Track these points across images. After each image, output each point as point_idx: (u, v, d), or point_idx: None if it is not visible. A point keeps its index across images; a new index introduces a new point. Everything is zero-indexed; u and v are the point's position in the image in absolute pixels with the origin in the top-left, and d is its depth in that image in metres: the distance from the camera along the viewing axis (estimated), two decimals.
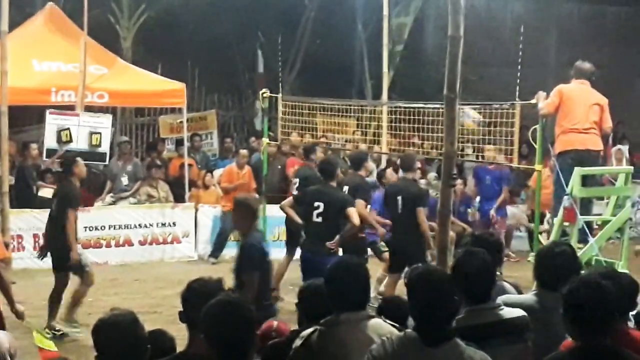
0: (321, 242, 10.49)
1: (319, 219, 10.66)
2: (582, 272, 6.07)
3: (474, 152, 13.65)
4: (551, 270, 5.82)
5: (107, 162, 16.49)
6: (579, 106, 10.66)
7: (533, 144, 11.32)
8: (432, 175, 16.58)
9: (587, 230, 9.99)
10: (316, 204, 10.69)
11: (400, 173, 12.73)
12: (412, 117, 13.42)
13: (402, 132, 14.33)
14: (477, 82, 22.54)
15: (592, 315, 4.44)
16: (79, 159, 11.83)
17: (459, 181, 14.62)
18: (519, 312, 5.30)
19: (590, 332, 4.44)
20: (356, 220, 10.52)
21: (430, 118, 12.89)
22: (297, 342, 5.06)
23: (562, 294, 4.64)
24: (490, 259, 5.44)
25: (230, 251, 14.02)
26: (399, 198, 11.65)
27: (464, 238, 15.48)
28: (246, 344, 4.36)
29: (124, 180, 16.90)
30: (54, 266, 11.34)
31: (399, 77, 22.53)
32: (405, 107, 13.92)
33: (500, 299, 5.49)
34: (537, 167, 11.24)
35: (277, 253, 15.02)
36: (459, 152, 11.87)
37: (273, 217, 14.98)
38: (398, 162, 13.54)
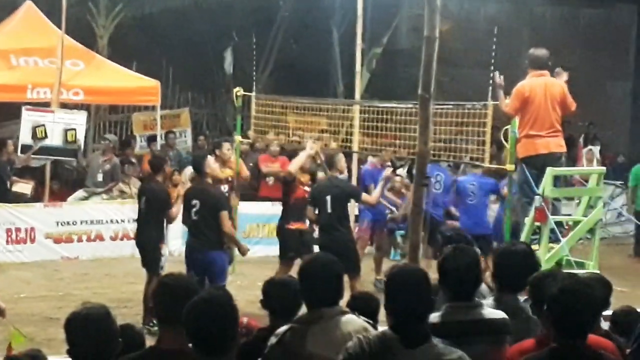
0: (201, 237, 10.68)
1: (196, 217, 10.75)
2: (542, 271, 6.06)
3: (446, 151, 13.72)
4: (511, 271, 5.77)
5: (77, 158, 16.52)
6: (541, 108, 10.53)
7: (505, 144, 11.39)
8: (401, 171, 16.66)
9: (557, 231, 10.06)
10: (193, 201, 10.78)
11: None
12: (384, 116, 13.49)
13: (375, 132, 14.37)
14: (449, 83, 22.59)
15: (577, 319, 4.51)
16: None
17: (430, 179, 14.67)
18: (500, 314, 5.29)
19: (571, 334, 4.52)
20: (227, 225, 10.73)
21: (403, 118, 12.96)
22: (273, 340, 5.03)
23: (546, 297, 4.69)
24: (479, 257, 5.49)
25: None
26: (328, 198, 11.63)
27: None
28: (227, 340, 4.39)
29: (99, 176, 16.86)
30: None
31: (372, 78, 22.64)
32: (378, 107, 13.98)
33: None
34: (509, 167, 11.31)
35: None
36: (432, 152, 11.93)
37: (244, 214, 15.06)
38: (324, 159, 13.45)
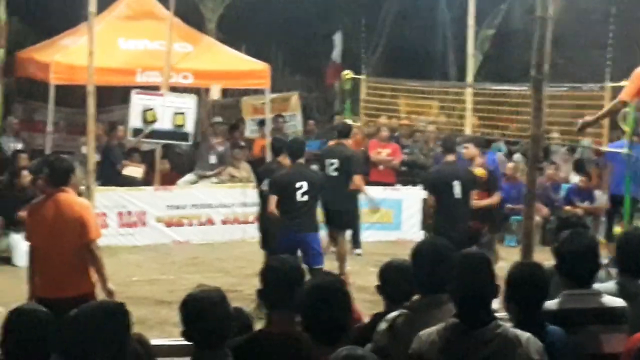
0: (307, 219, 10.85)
1: (305, 198, 10.79)
2: None
3: (560, 135, 13.43)
4: (633, 256, 5.61)
5: (190, 142, 16.63)
6: None
7: (622, 127, 11.06)
8: (517, 156, 16.34)
9: None
10: (298, 184, 10.79)
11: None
12: (498, 99, 13.26)
13: (488, 115, 14.13)
14: (565, 65, 22.08)
15: None
16: None
17: (544, 163, 14.36)
18: (620, 302, 5.16)
19: None
20: None
21: (516, 100, 12.71)
22: (383, 325, 4.99)
23: None
24: (597, 242, 5.30)
25: None
26: (456, 183, 11.28)
27: (550, 222, 15.40)
28: (342, 326, 4.36)
29: (212, 158, 16.96)
30: None
31: (485, 60, 22.26)
32: (491, 90, 13.76)
33: None
34: (626, 151, 10.98)
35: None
36: (546, 136, 11.66)
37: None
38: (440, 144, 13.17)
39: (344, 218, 12.77)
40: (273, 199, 10.94)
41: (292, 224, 10.81)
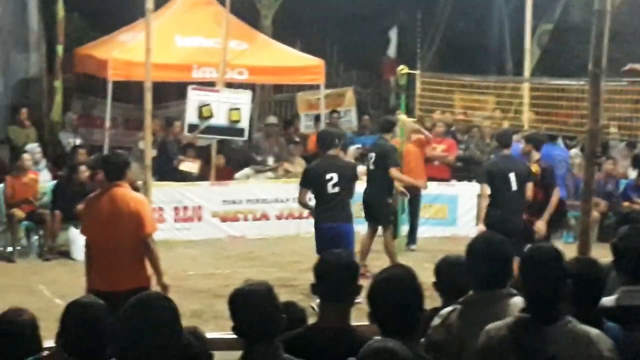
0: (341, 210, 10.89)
1: (336, 190, 10.86)
2: None
3: (619, 130, 13.25)
4: None
5: (245, 138, 16.71)
6: None
7: None
8: (575, 151, 16.15)
9: None
10: (328, 175, 10.85)
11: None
12: (556, 94, 13.13)
13: (545, 110, 13.99)
14: (624, 60, 21.77)
15: None
16: None
17: (602, 159, 14.16)
18: None
19: None
20: None
21: (575, 95, 12.58)
22: (436, 321, 4.94)
23: None
24: None
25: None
26: (512, 175, 11.20)
27: (609, 218, 15.22)
28: (413, 318, 4.34)
29: (270, 160, 17.09)
30: None
31: (543, 54, 22.07)
32: (548, 85, 13.63)
33: None
34: None
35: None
36: (604, 131, 11.52)
37: None
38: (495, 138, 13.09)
39: (382, 212, 12.76)
40: (302, 191, 11.17)
41: (326, 216, 10.95)
